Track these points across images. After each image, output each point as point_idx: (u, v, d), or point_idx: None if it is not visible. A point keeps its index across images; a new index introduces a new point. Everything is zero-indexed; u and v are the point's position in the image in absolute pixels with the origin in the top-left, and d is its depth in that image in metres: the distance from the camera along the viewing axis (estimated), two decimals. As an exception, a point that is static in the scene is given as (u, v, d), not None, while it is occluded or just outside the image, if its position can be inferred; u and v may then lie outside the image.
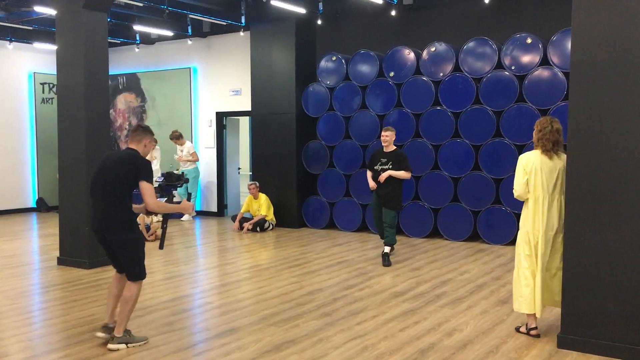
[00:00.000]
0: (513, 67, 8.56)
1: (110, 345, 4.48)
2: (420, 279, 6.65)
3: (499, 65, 8.72)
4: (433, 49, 9.20)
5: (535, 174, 4.54)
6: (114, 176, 4.44)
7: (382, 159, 7.57)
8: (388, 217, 7.51)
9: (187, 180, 5.05)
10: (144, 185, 4.42)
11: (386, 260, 7.40)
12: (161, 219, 9.43)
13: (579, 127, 4.33)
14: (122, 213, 4.45)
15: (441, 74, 9.13)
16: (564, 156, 4.55)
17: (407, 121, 9.43)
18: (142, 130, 4.65)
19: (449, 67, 9.08)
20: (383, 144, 7.64)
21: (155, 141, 11.32)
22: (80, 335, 4.81)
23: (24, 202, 13.16)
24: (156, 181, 4.54)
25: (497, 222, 8.63)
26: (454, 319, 5.17)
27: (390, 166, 7.47)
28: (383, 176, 7.42)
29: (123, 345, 4.49)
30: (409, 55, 9.44)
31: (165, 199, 4.83)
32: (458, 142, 8.97)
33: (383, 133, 7.61)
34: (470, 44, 8.91)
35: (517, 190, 4.64)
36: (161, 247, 5.00)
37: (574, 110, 4.35)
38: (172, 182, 4.94)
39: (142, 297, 5.99)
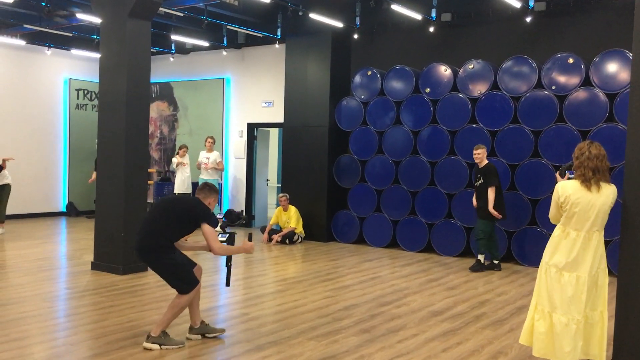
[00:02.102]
0: (553, 87, 8.45)
1: (145, 344, 4.58)
2: (457, 299, 6.53)
3: (538, 85, 8.61)
4: (470, 67, 9.13)
5: (570, 207, 3.94)
6: (175, 210, 4.69)
7: (477, 175, 8.21)
8: (476, 227, 8.25)
9: (246, 218, 5.16)
10: (206, 229, 4.59)
11: (475, 266, 8.13)
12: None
13: (638, 156, 4.01)
14: (162, 241, 4.61)
15: (478, 92, 9.05)
16: (609, 189, 3.97)
17: (442, 138, 9.34)
18: (208, 190, 4.87)
19: (486, 85, 9.00)
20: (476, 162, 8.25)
21: (187, 148, 11.54)
22: (120, 342, 4.78)
23: (54, 206, 13.28)
24: (218, 219, 4.80)
25: (532, 244, 8.47)
26: (497, 342, 5.04)
27: (482, 181, 8.06)
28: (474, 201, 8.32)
29: (156, 346, 4.58)
30: (446, 72, 9.38)
31: (227, 237, 4.90)
32: (494, 160, 8.83)
33: (474, 151, 8.14)
34: (509, 63, 8.83)
35: (550, 215, 4.17)
36: (227, 284, 5.12)
37: (634, 135, 4.06)
38: (233, 220, 5.15)
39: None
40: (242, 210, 5.04)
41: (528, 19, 8.83)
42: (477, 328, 5.43)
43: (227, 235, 4.90)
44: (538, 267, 4.24)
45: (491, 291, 6.95)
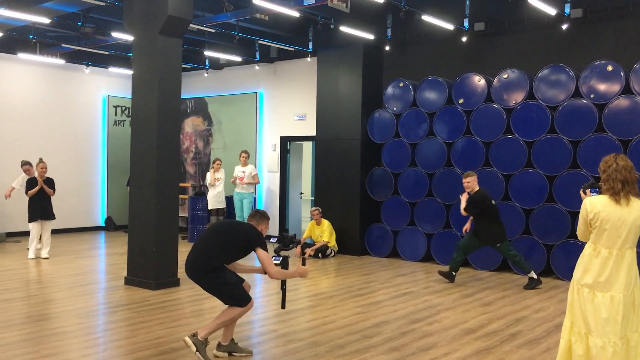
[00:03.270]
0: (592, 96, 8.19)
1: (186, 339, 4.71)
2: (492, 316, 6.32)
3: (576, 94, 8.36)
4: (505, 76, 8.94)
5: (600, 224, 3.76)
6: (230, 234, 4.81)
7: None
8: (505, 253, 8.02)
9: (299, 242, 5.16)
10: (262, 254, 4.70)
11: (530, 284, 7.82)
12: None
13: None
14: (213, 263, 4.69)
15: (513, 102, 8.84)
16: (639, 203, 3.78)
17: (476, 149, 9.15)
18: (260, 216, 5.02)
19: (521, 95, 8.78)
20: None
21: (220, 162, 11.63)
22: (148, 358, 4.78)
23: (93, 221, 13.56)
24: (270, 242, 4.98)
25: (571, 257, 8.16)
26: (532, 362, 4.85)
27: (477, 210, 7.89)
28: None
29: (193, 347, 4.66)
30: (480, 82, 9.21)
31: (281, 260, 4.97)
32: (531, 172, 8.61)
33: (463, 180, 7.97)
34: (545, 71, 8.60)
35: (579, 232, 3.99)
36: (283, 307, 5.15)
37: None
38: (286, 244, 5.11)
39: (208, 321, 5.94)
40: (295, 234, 5.03)
41: (564, 26, 8.60)
42: (512, 347, 5.23)
43: (281, 259, 5.00)
44: (575, 283, 4.04)
45: (528, 307, 6.72)
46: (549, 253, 8.45)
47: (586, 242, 3.96)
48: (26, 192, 9.60)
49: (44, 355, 4.85)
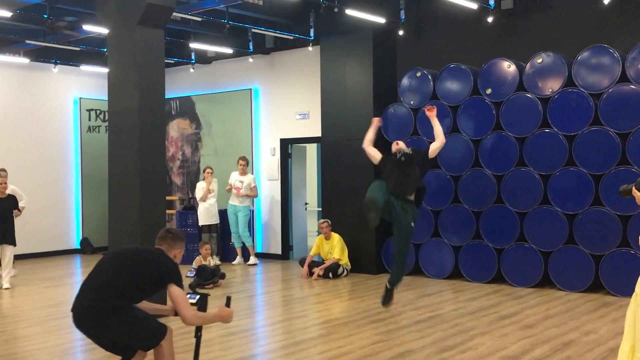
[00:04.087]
0: (641, 80, 8.15)
1: None
2: (535, 340, 6.27)
3: (623, 78, 8.32)
4: (539, 61, 8.89)
5: None
6: (134, 265, 4.24)
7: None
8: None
9: (222, 276, 4.74)
10: (175, 292, 4.18)
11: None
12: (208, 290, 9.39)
13: None
14: (120, 302, 4.14)
15: (550, 90, 8.80)
16: None
17: (508, 147, 9.11)
18: (172, 239, 4.47)
19: (559, 82, 8.74)
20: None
21: (212, 170, 11.61)
22: (136, 403, 4.72)
23: (67, 243, 13.56)
24: (187, 276, 4.30)
25: (625, 270, 8.10)
26: (585, 393, 4.78)
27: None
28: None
29: None
30: (510, 68, 9.17)
31: (198, 299, 4.45)
32: (573, 170, 8.56)
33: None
34: (586, 54, 8.56)
35: None
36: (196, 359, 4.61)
37: None
38: (207, 278, 4.71)
39: (204, 357, 5.89)
40: (218, 267, 4.36)
41: (606, 1, 8.56)
42: (561, 377, 5.17)
43: (198, 297, 4.45)
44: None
45: (576, 329, 6.66)
46: (598, 265, 8.38)
47: None
48: None
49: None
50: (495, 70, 9.30)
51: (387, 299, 7.43)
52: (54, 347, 6.44)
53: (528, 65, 9.02)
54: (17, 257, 10.91)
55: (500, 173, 9.19)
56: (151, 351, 4.34)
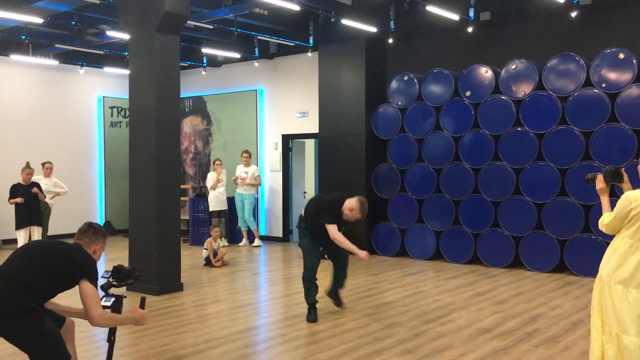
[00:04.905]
0: (604, 85, 8.13)
1: None
2: (506, 314, 6.27)
3: (587, 83, 8.30)
4: (513, 67, 8.87)
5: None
6: (48, 260, 3.56)
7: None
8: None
9: (138, 278, 3.98)
10: (87, 289, 3.52)
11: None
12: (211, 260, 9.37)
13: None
14: (28, 301, 3.45)
15: (522, 93, 8.78)
16: None
17: (485, 143, 9.09)
18: (93, 233, 3.80)
19: (530, 86, 8.72)
20: None
21: (220, 162, 11.58)
22: (153, 367, 4.73)
23: (91, 225, 13.47)
24: (101, 277, 3.59)
25: (587, 253, 8.13)
26: (551, 361, 4.80)
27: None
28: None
29: None
30: (487, 73, 9.14)
31: (112, 301, 3.85)
32: (542, 165, 8.55)
33: None
34: (555, 61, 8.54)
35: (609, 226, 3.81)
36: None
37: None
38: (122, 280, 3.94)
39: (213, 326, 5.93)
40: (134, 267, 3.76)
41: (573, 14, 8.53)
42: (530, 346, 5.18)
43: (113, 299, 3.85)
44: (594, 277, 3.95)
45: (544, 305, 6.66)
46: (562, 248, 8.39)
47: (612, 236, 3.86)
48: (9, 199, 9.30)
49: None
50: (474, 75, 9.27)
51: (339, 302, 6.67)
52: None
53: (503, 70, 9.00)
54: (49, 238, 10.90)
55: (477, 166, 9.19)
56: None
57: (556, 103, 8.47)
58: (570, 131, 8.33)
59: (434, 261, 9.61)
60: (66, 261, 3.59)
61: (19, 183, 9.36)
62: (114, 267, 4.00)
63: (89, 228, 3.83)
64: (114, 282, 3.95)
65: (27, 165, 9.54)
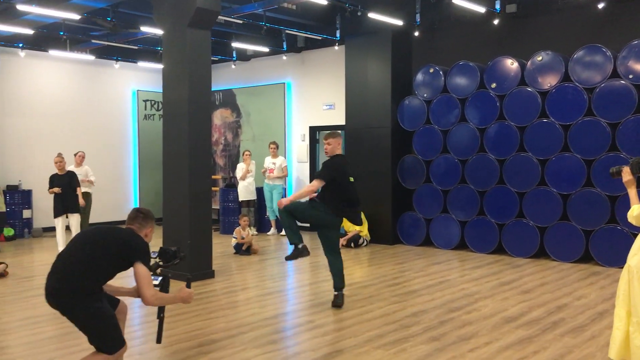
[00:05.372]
0: (631, 76, 7.93)
1: None
2: (532, 304, 6.19)
3: (614, 74, 8.11)
4: (539, 59, 8.70)
5: None
6: (106, 244, 3.71)
7: None
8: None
9: (183, 258, 4.10)
10: (141, 271, 3.67)
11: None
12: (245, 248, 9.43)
13: None
14: (87, 284, 3.64)
15: (548, 85, 8.62)
16: None
17: (510, 134, 8.96)
18: (143, 218, 3.91)
19: (556, 77, 8.55)
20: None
21: (250, 153, 11.63)
22: (187, 351, 4.80)
23: (126, 214, 13.65)
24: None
25: (612, 243, 7.97)
26: (577, 350, 4.72)
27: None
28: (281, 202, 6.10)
29: None
30: (513, 65, 8.99)
31: (160, 280, 4.06)
32: (567, 156, 8.40)
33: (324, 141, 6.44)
34: (581, 52, 8.35)
35: (639, 218, 3.72)
36: (159, 340, 4.11)
37: None
38: (168, 260, 4.06)
39: (243, 312, 5.97)
40: (179, 248, 3.81)
41: (600, 5, 8.34)
42: (555, 335, 5.10)
43: (161, 279, 4.04)
44: (619, 268, 3.89)
45: (569, 295, 6.56)
46: (588, 239, 8.25)
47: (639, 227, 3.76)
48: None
49: (85, 349, 4.87)
50: (499, 67, 9.13)
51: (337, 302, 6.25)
52: (117, 302, 6.52)
53: (529, 62, 8.83)
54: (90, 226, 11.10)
55: (502, 157, 9.06)
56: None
57: (582, 94, 8.29)
58: (597, 122, 8.16)
59: (458, 251, 9.53)
60: (123, 246, 3.72)
61: (56, 173, 9.53)
62: (161, 248, 4.15)
63: (138, 214, 3.94)
64: (161, 263, 4.10)
65: (58, 155, 9.69)
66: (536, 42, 9.12)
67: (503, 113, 9.05)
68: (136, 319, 5.97)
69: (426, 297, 6.52)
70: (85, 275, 3.60)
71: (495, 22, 9.21)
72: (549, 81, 8.62)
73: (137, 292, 3.79)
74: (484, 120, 9.26)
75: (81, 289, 3.59)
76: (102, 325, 3.64)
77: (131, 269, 3.71)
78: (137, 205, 13.80)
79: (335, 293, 6.24)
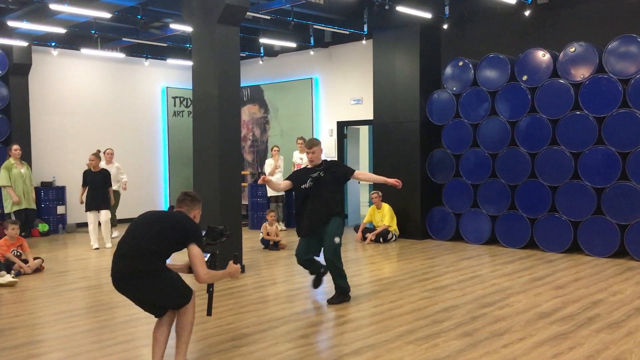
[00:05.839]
0: (668, 66, 7.73)
1: None
2: (566, 299, 6.08)
3: (650, 65, 7.90)
4: (572, 50, 8.53)
5: None
6: (165, 226, 4.01)
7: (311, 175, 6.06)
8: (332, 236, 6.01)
9: (230, 236, 4.34)
10: (195, 251, 3.98)
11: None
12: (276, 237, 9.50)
13: None
14: (158, 263, 3.98)
15: (581, 76, 8.44)
16: None
17: (542, 127, 8.81)
18: (191, 200, 4.21)
19: (590, 69, 8.37)
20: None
21: (278, 148, 11.68)
22: (220, 345, 4.84)
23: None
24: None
25: (649, 238, 7.80)
26: (614, 347, 4.62)
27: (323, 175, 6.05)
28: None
29: None
30: (544, 57, 8.83)
31: (208, 257, 4.27)
32: (601, 149, 8.23)
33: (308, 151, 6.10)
34: (615, 43, 8.16)
35: None
36: (209, 313, 4.42)
37: None
38: (215, 238, 4.32)
39: (274, 307, 6.00)
40: (225, 227, 4.01)
41: (635, -6, 8.13)
42: (591, 331, 5.01)
43: (209, 256, 4.26)
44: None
45: (604, 290, 6.43)
46: (623, 233, 8.07)
47: None
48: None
49: (119, 342, 4.98)
50: (530, 59, 8.97)
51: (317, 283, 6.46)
52: (150, 296, 6.61)
53: (561, 54, 8.66)
54: (119, 222, 11.27)
55: (534, 151, 8.92)
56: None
57: (617, 86, 8.10)
58: (632, 114, 7.97)
59: (489, 246, 9.42)
60: (178, 228, 4.00)
61: (89, 169, 9.74)
62: (208, 226, 4.39)
63: (186, 197, 4.22)
64: (209, 241, 4.35)
65: (94, 152, 9.91)
66: (568, 33, 8.94)
67: (534, 106, 8.90)
68: (169, 313, 6.04)
69: (457, 293, 6.46)
70: (152, 258, 3.90)
71: (527, 13, 9.06)
72: (582, 73, 8.45)
73: (187, 269, 4.15)
74: (515, 114, 9.12)
75: (154, 267, 3.91)
76: (175, 287, 4.00)
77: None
78: (168, 201, 13.97)
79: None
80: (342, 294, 6.16)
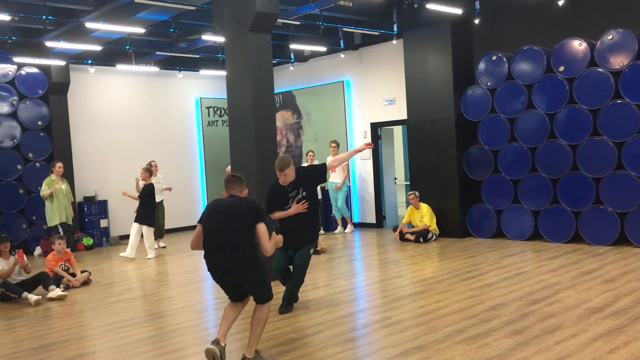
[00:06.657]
0: None
1: None
2: (617, 293, 5.92)
3: (693, 48, 7.65)
4: (609, 37, 8.32)
5: None
6: (244, 215, 4.35)
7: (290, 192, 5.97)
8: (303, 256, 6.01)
9: (265, 209, 4.76)
10: (263, 229, 4.36)
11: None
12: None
13: None
14: (254, 251, 4.39)
15: (620, 64, 8.23)
16: None
17: (582, 118, 8.61)
18: (240, 182, 4.60)
19: (629, 56, 8.16)
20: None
21: (313, 153, 11.69)
22: (269, 350, 4.84)
23: (196, 219, 13.99)
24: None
25: (700, 226, 7.54)
26: (673, 340, 4.47)
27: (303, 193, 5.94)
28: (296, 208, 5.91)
29: None
30: (581, 46, 8.63)
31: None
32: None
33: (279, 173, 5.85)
34: (655, 28, 7.94)
35: None
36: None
37: None
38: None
39: (318, 311, 5.99)
40: (261, 201, 4.59)
41: (674, -24, 7.88)
42: (647, 325, 4.86)
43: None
44: None
45: (657, 282, 6.24)
46: (673, 223, 7.83)
47: None
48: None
49: (171, 350, 5.04)
50: (566, 49, 8.78)
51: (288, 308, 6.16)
52: (197, 305, 6.70)
53: (598, 42, 8.47)
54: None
55: (574, 143, 8.72)
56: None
57: (659, 72, 7.87)
58: (676, 100, 7.73)
59: (532, 241, 9.24)
60: (250, 212, 4.35)
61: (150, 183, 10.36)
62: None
63: (235, 178, 4.58)
64: None
65: (144, 167, 10.41)
66: (604, 20, 8.73)
67: (573, 96, 8.70)
68: (212, 322, 6.09)
69: (504, 290, 6.35)
70: (246, 245, 4.29)
71: (560, 2, 8.88)
72: (621, 60, 8.23)
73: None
74: (552, 105, 8.94)
75: (253, 256, 4.31)
76: (268, 280, 4.45)
77: None
78: (206, 210, 14.10)
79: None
80: (291, 304, 6.15)
